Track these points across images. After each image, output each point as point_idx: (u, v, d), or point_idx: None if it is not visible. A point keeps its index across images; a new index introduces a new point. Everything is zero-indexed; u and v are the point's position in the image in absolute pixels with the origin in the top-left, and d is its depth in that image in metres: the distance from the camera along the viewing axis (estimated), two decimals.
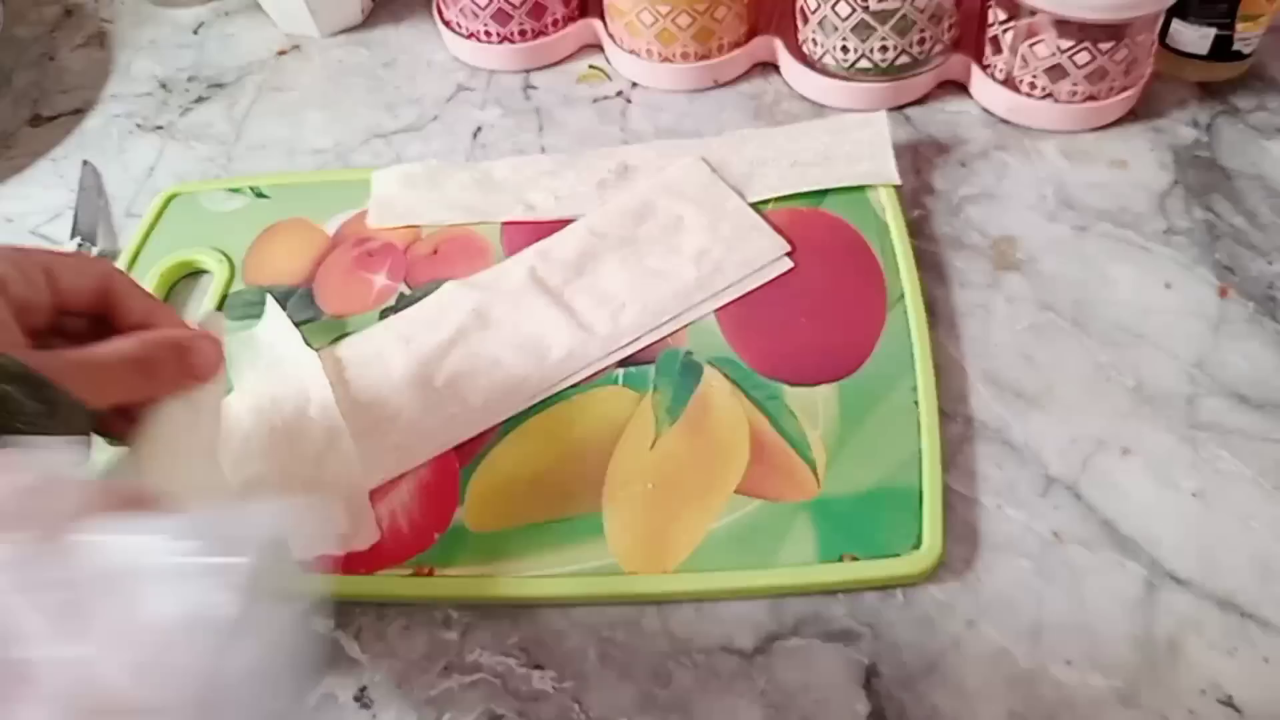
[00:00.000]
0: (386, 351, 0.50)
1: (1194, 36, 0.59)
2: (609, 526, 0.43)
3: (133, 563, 0.24)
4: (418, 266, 0.55)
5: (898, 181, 0.55)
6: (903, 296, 0.50)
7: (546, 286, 0.52)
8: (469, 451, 0.46)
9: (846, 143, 0.57)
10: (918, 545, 0.42)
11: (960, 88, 0.63)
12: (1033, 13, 0.55)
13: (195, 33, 0.75)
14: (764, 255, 0.52)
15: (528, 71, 0.67)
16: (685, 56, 0.63)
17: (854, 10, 0.58)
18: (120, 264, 0.56)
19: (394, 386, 0.48)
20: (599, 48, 0.68)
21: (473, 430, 0.47)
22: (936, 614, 0.41)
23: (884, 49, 0.59)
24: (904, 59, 0.60)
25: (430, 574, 0.43)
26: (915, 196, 0.57)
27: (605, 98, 0.65)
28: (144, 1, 0.77)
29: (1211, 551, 0.42)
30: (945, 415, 0.46)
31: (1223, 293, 0.51)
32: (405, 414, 0.47)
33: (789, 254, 0.52)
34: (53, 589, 0.23)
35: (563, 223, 0.55)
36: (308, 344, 0.50)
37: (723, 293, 0.51)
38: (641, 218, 0.55)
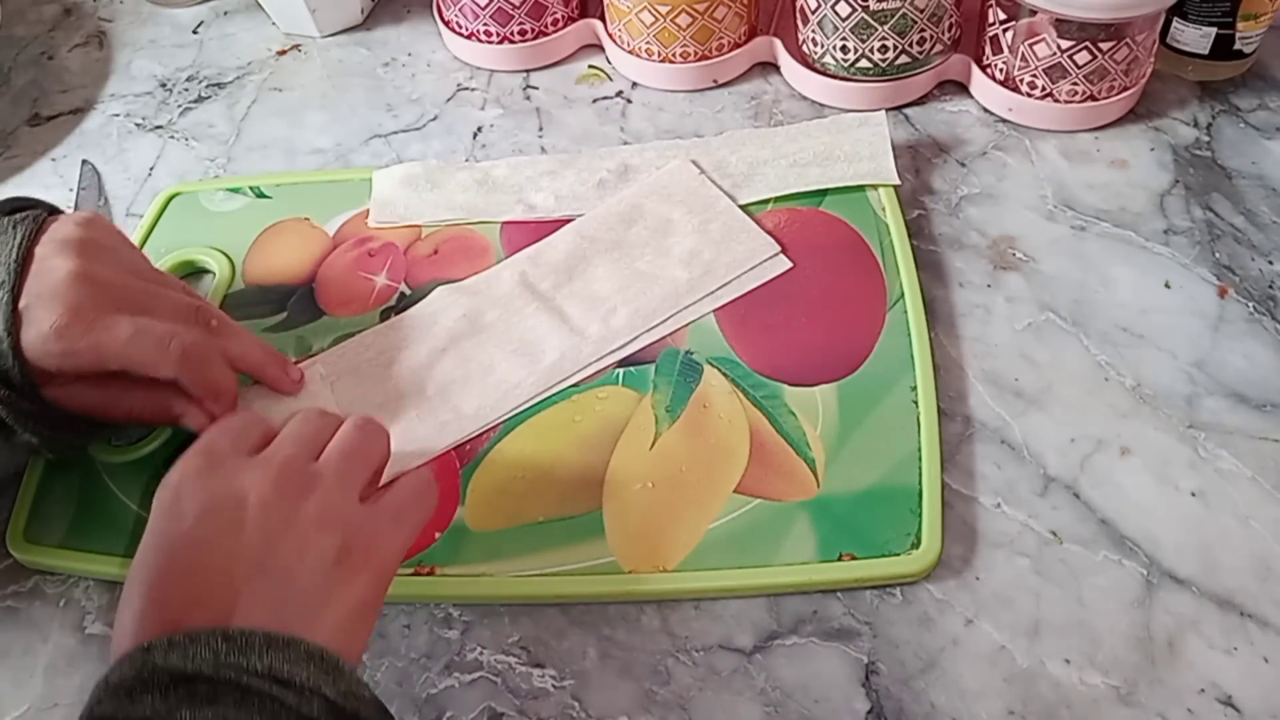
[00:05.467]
0: (378, 358, 0.50)
1: (1195, 36, 0.60)
2: (609, 525, 0.44)
3: None
4: (418, 266, 0.55)
5: (897, 181, 0.55)
6: (902, 296, 0.50)
7: (537, 291, 0.52)
8: (469, 451, 0.46)
9: (846, 143, 0.57)
10: (916, 544, 0.42)
11: (960, 87, 0.63)
12: (1033, 12, 0.55)
13: (195, 32, 0.75)
14: (754, 256, 0.52)
15: (528, 71, 0.67)
16: (685, 56, 0.63)
17: (854, 10, 0.58)
18: None
19: (386, 394, 0.48)
20: (599, 48, 0.68)
21: (465, 436, 0.47)
22: (935, 613, 0.41)
23: (884, 49, 0.59)
24: (904, 59, 0.60)
25: (431, 573, 0.43)
26: (914, 196, 0.57)
27: (605, 98, 0.65)
28: (143, 1, 0.77)
29: (1211, 551, 0.42)
30: (944, 415, 0.47)
31: (1222, 292, 0.51)
32: (398, 422, 0.47)
33: (788, 254, 0.52)
34: None
35: (563, 222, 0.55)
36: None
37: (714, 294, 0.51)
38: (630, 221, 0.55)
